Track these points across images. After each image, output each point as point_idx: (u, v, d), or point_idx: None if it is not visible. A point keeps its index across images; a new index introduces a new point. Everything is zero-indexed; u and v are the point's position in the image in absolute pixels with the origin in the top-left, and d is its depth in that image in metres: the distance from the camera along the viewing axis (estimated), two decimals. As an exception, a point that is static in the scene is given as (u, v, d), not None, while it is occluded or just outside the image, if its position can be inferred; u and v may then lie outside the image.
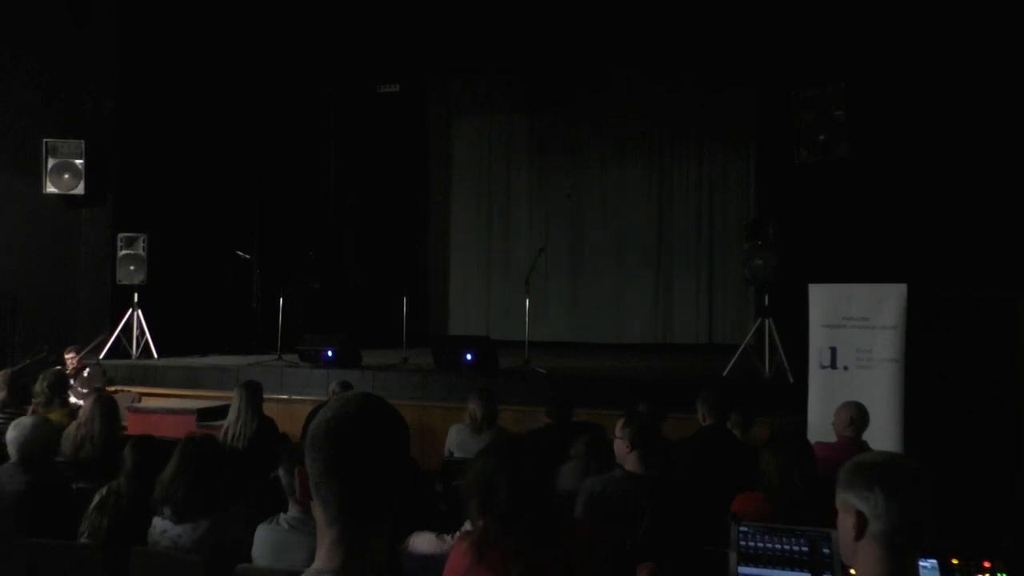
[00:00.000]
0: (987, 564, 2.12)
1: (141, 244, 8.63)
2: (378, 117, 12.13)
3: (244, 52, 10.13)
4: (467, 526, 2.55)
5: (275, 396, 6.88)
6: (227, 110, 10.15)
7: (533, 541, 2.28)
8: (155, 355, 8.47)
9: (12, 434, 3.61)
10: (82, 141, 8.72)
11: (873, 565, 1.45)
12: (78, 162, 8.69)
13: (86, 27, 8.97)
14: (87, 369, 7.22)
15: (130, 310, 8.57)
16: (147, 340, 8.53)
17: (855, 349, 5.71)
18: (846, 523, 1.49)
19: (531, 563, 2.26)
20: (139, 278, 8.58)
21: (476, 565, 2.26)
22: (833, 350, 5.77)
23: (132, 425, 6.74)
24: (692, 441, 4.54)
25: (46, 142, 8.65)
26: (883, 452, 1.83)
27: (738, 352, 7.35)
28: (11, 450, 3.60)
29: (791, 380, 6.60)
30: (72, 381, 6.69)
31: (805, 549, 2.36)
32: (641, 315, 11.60)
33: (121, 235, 8.68)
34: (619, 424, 3.51)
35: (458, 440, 5.11)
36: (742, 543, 2.42)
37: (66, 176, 8.67)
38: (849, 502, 1.49)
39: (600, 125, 11.77)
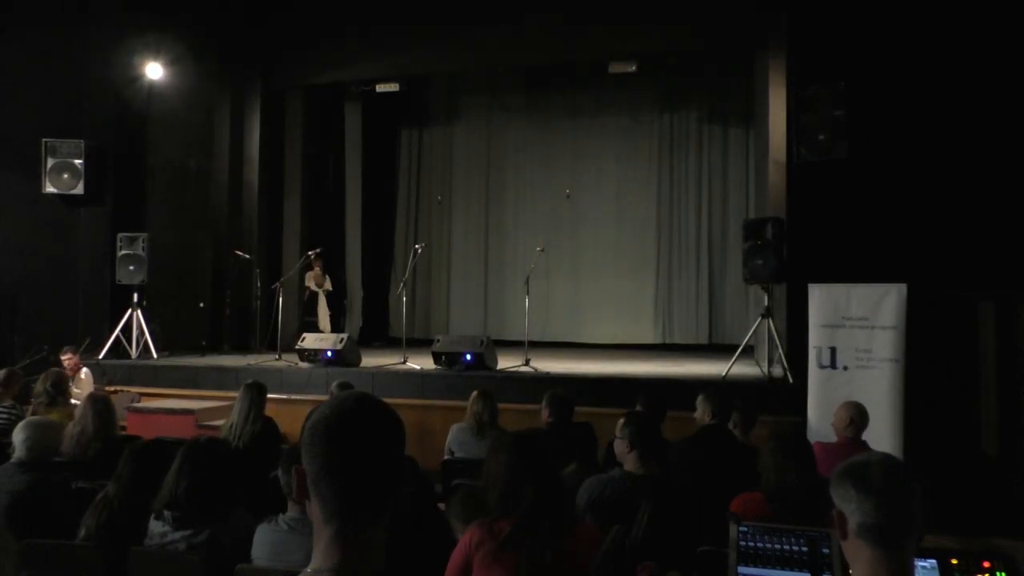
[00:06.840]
0: (987, 564, 2.12)
1: (141, 244, 8.62)
2: (378, 117, 12.12)
3: (245, 51, 10.12)
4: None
5: (275, 396, 6.85)
6: (226, 110, 10.14)
7: (548, 544, 2.29)
8: (154, 355, 8.45)
9: (21, 435, 3.60)
10: (82, 141, 8.71)
11: (862, 563, 1.46)
12: (77, 162, 8.68)
13: (86, 26, 8.95)
14: (84, 369, 7.21)
15: (129, 310, 8.56)
16: (146, 340, 8.51)
17: (855, 349, 5.71)
18: (836, 524, 1.50)
19: (542, 564, 2.27)
20: (139, 278, 8.56)
21: (491, 564, 2.28)
22: (833, 350, 5.77)
23: (131, 425, 6.74)
24: (692, 441, 4.54)
25: (46, 142, 8.64)
26: (872, 452, 1.83)
27: (738, 352, 7.36)
28: (19, 451, 3.59)
29: (791, 380, 6.59)
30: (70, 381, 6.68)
31: (804, 549, 2.35)
32: (641, 315, 11.59)
33: (121, 235, 8.66)
34: (619, 424, 3.50)
35: (459, 440, 5.10)
36: (742, 543, 2.42)
37: (65, 176, 8.66)
38: (834, 503, 1.51)
39: (600, 124, 11.77)
